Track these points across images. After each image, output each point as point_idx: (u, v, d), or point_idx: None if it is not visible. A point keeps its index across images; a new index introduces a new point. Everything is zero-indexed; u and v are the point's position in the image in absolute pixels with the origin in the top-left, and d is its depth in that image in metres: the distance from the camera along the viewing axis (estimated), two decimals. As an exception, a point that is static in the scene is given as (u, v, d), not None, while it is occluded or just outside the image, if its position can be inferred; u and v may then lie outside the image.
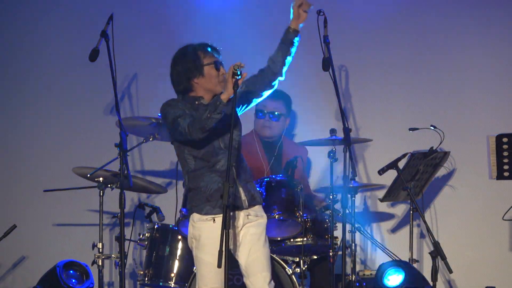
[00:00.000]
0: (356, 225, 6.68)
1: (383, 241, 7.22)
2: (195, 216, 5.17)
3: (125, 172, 5.58)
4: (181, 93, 5.28)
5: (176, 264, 6.43)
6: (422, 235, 7.43)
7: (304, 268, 6.34)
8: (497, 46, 7.48)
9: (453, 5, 7.55)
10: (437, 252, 6.13)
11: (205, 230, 5.13)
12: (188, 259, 6.37)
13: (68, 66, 7.65)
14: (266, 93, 5.34)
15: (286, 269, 6.16)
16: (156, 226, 6.53)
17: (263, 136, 6.98)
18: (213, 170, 5.14)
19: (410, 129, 7.01)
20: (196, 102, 5.19)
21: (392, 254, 6.85)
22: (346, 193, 6.01)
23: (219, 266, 4.79)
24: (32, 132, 7.69)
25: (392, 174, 6.74)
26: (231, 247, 5.12)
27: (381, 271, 6.59)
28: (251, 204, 5.21)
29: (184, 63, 5.25)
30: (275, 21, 7.57)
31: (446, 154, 7.07)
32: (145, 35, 7.68)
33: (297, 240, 6.32)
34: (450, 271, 6.12)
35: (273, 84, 5.32)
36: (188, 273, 6.32)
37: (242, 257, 5.19)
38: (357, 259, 6.89)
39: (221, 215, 4.91)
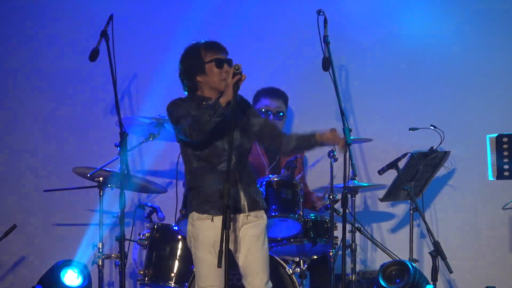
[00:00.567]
0: (356, 225, 6.68)
1: (383, 241, 7.21)
2: (194, 215, 5.17)
3: (125, 172, 5.58)
4: (189, 91, 5.28)
5: (176, 264, 6.42)
6: (422, 235, 7.43)
7: (304, 268, 6.34)
8: (496, 46, 7.48)
9: (453, 5, 7.55)
10: (437, 252, 6.13)
11: (203, 229, 5.13)
12: (188, 259, 6.37)
13: (68, 66, 7.65)
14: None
15: (286, 269, 6.16)
16: (156, 226, 6.53)
17: None
18: (214, 171, 5.14)
19: (410, 129, 7.00)
20: (204, 103, 5.19)
21: (392, 254, 6.85)
22: (346, 193, 6.00)
23: (219, 266, 4.79)
24: (32, 132, 7.68)
25: (392, 174, 6.74)
26: (231, 247, 5.12)
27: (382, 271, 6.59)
28: (251, 209, 5.20)
29: (187, 60, 5.26)
30: (274, 21, 7.58)
31: (446, 154, 7.07)
32: (145, 35, 7.67)
33: (297, 240, 6.32)
34: (450, 271, 6.12)
35: (271, 147, 5.44)
36: (188, 273, 6.31)
37: (241, 258, 5.20)
38: (357, 259, 6.88)
39: (220, 215, 4.92)
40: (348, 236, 6.37)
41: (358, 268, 6.93)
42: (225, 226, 4.83)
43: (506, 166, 6.42)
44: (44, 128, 7.67)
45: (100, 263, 6.49)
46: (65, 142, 7.63)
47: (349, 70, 7.55)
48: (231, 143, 4.92)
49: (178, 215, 6.36)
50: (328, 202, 6.51)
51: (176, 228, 6.45)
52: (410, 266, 6.49)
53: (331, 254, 6.37)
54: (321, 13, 5.57)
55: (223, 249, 4.80)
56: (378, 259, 7.28)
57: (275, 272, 5.92)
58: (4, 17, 7.76)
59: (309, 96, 7.47)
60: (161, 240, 6.46)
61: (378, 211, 7.54)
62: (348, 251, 6.49)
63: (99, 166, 6.45)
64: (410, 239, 6.96)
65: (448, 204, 7.48)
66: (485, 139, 6.51)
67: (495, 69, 7.49)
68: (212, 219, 5.10)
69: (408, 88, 7.55)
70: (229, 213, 4.91)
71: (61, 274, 6.61)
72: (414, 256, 6.98)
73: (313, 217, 6.42)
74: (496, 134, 6.47)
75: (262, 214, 5.27)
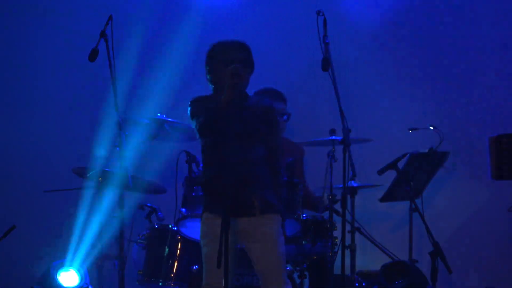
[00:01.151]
0: (356, 225, 6.68)
1: (382, 241, 7.21)
2: (204, 214, 5.22)
3: (125, 172, 5.58)
4: (212, 89, 5.33)
5: (176, 264, 6.43)
6: (421, 235, 7.42)
7: (304, 268, 6.34)
8: (496, 46, 7.48)
9: (453, 6, 7.55)
10: (437, 252, 6.14)
11: (210, 227, 5.14)
12: (188, 259, 6.38)
13: (68, 66, 7.65)
14: None
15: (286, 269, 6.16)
16: (155, 226, 6.53)
17: None
18: (225, 172, 5.14)
19: (409, 129, 7.01)
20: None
21: (391, 254, 6.85)
22: (345, 193, 6.00)
23: (218, 266, 4.80)
24: (32, 132, 7.68)
25: (391, 174, 6.74)
26: (244, 246, 5.14)
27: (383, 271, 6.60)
28: (265, 212, 5.19)
29: (206, 58, 5.36)
30: (274, 21, 7.59)
31: (445, 154, 7.06)
32: (145, 35, 7.67)
33: (296, 240, 6.32)
34: (450, 272, 6.12)
35: None
36: (187, 273, 6.32)
37: (253, 257, 5.19)
38: (357, 259, 6.88)
39: (231, 216, 4.92)
40: (348, 236, 6.36)
41: (357, 268, 6.92)
42: (226, 226, 4.83)
43: (506, 166, 6.42)
44: (44, 128, 7.68)
45: (100, 263, 6.49)
46: (64, 142, 7.63)
47: (349, 70, 7.55)
48: (231, 145, 4.93)
49: (178, 215, 6.36)
50: (327, 203, 6.51)
51: (175, 228, 6.45)
52: (411, 266, 6.50)
53: (330, 254, 6.36)
54: (321, 14, 5.58)
55: (223, 249, 4.81)
56: (378, 259, 7.27)
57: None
58: (4, 18, 7.77)
59: (308, 96, 7.47)
60: (161, 240, 6.46)
61: (377, 211, 7.54)
62: (347, 251, 6.49)
63: (99, 167, 6.45)
64: (409, 239, 6.96)
65: (447, 205, 7.49)
66: (485, 139, 6.52)
67: (495, 69, 7.49)
68: (220, 218, 5.11)
69: (408, 88, 7.55)
70: (229, 214, 4.92)
71: (57, 274, 6.61)
72: (414, 256, 6.98)
73: (312, 218, 6.41)
74: (496, 134, 6.48)
75: (276, 215, 5.25)
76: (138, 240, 6.52)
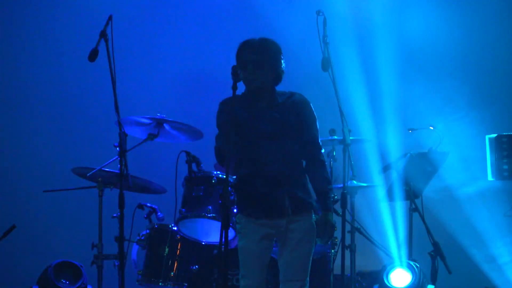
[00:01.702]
0: (356, 226, 6.68)
1: (382, 241, 7.22)
2: (237, 215, 5.21)
3: (125, 172, 5.58)
4: None
5: (176, 264, 6.43)
6: (421, 235, 7.42)
7: (303, 268, 6.33)
8: (496, 46, 7.48)
9: (453, 5, 7.56)
10: (437, 252, 6.13)
11: (244, 225, 5.16)
12: (188, 259, 6.38)
13: (68, 66, 7.65)
14: None
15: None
16: (155, 226, 6.53)
17: None
18: (256, 173, 5.11)
19: (409, 129, 7.01)
20: None
21: (391, 254, 6.85)
22: (345, 193, 6.01)
23: (218, 266, 4.79)
24: (32, 132, 7.68)
25: (391, 175, 6.74)
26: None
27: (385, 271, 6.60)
28: (296, 212, 5.12)
29: None
30: (274, 20, 7.59)
31: (445, 154, 7.06)
32: (145, 35, 7.67)
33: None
34: (449, 272, 6.12)
35: None
36: (187, 273, 6.32)
37: (281, 257, 5.17)
38: (357, 259, 6.88)
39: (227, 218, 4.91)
40: (348, 236, 6.37)
41: (357, 268, 6.93)
42: (225, 226, 4.83)
43: (505, 167, 6.43)
44: (44, 128, 7.68)
45: (100, 263, 6.49)
46: (64, 142, 7.64)
47: (349, 70, 7.55)
48: (231, 146, 4.92)
49: (178, 215, 6.36)
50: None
51: (175, 228, 6.45)
52: (414, 266, 6.50)
53: (330, 254, 6.36)
54: (321, 14, 5.58)
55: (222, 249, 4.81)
56: (378, 259, 7.28)
57: (275, 271, 5.92)
58: (4, 18, 7.77)
59: (308, 96, 7.46)
60: (160, 240, 6.46)
61: (377, 211, 7.53)
62: (347, 251, 6.49)
63: (99, 167, 6.45)
64: (409, 239, 6.95)
65: (447, 205, 7.48)
66: (485, 139, 6.52)
67: (495, 69, 7.49)
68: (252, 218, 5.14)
69: (408, 88, 7.55)
70: (228, 213, 4.92)
71: (57, 274, 6.61)
72: (414, 256, 6.98)
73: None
74: (496, 135, 6.48)
75: (308, 213, 5.18)
76: (138, 240, 6.52)
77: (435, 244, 6.20)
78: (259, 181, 5.07)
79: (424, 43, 7.56)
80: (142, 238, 6.51)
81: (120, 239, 5.58)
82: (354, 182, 6.69)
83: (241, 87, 5.07)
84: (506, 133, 6.46)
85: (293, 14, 7.58)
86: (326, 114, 7.38)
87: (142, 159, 7.55)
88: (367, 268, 7.40)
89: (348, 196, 6.60)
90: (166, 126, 6.59)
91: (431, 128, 6.97)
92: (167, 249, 6.45)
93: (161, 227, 6.53)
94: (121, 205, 5.56)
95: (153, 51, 7.59)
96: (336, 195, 6.45)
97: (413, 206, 6.80)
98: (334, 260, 6.39)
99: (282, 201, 5.09)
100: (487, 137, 6.54)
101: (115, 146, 5.66)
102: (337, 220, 6.40)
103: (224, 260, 4.82)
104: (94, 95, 7.60)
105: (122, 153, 5.56)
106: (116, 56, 5.65)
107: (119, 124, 5.57)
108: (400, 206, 7.51)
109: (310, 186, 5.21)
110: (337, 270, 6.41)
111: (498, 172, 6.49)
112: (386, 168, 6.69)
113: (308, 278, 5.14)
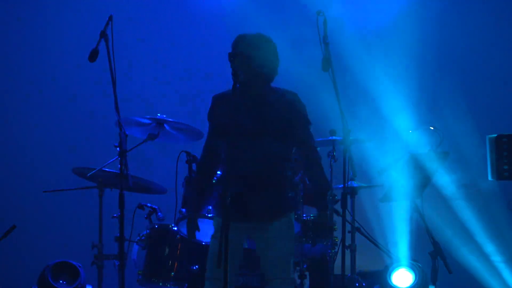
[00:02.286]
0: (356, 226, 6.68)
1: (382, 241, 7.22)
2: (215, 217, 5.24)
3: (125, 172, 5.57)
4: None
5: (176, 264, 6.43)
6: (422, 235, 7.42)
7: (304, 268, 6.34)
8: (496, 46, 7.49)
9: (453, 6, 7.56)
10: (437, 252, 6.13)
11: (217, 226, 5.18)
12: (188, 259, 6.38)
13: (68, 66, 7.65)
14: None
15: (286, 269, 6.15)
16: (155, 226, 6.53)
17: None
18: (233, 171, 5.02)
19: (409, 129, 7.01)
20: None
21: (392, 254, 6.85)
22: (345, 193, 6.00)
23: (218, 266, 4.78)
24: (32, 132, 7.68)
25: (391, 175, 6.74)
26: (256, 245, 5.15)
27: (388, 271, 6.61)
28: (273, 216, 5.10)
29: None
30: (274, 20, 7.59)
31: (445, 154, 7.06)
32: (145, 35, 7.67)
33: (296, 240, 6.32)
34: (450, 272, 6.12)
35: None
36: (187, 273, 6.31)
37: (262, 258, 5.17)
38: (357, 259, 6.88)
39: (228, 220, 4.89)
40: (348, 236, 6.36)
41: (357, 268, 6.93)
42: (225, 226, 4.83)
43: (505, 167, 6.42)
44: (44, 128, 7.68)
45: (100, 264, 6.49)
46: (64, 143, 7.64)
47: (349, 70, 7.55)
48: (230, 146, 4.91)
49: (178, 215, 6.36)
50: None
51: (175, 228, 6.45)
52: (417, 267, 6.50)
53: (330, 254, 6.36)
54: (321, 14, 5.57)
55: (222, 249, 4.81)
56: (378, 259, 7.28)
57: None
58: (4, 18, 7.77)
59: (308, 96, 7.46)
60: (161, 240, 6.46)
61: (377, 211, 7.53)
62: (347, 251, 6.49)
63: (99, 167, 6.45)
64: (410, 239, 6.95)
65: (447, 205, 7.48)
66: (485, 139, 6.51)
67: (495, 69, 7.49)
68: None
69: (408, 88, 7.55)
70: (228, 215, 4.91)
71: (54, 274, 6.60)
72: (414, 256, 6.98)
73: (312, 218, 6.41)
74: (496, 135, 6.47)
75: (283, 220, 5.17)
76: (138, 240, 6.51)
77: (435, 244, 6.19)
78: (234, 181, 4.94)
79: (424, 43, 7.56)
80: (142, 238, 6.51)
81: (120, 239, 5.58)
82: (355, 182, 6.69)
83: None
84: (506, 133, 6.45)
85: (293, 14, 7.58)
86: (326, 114, 7.40)
87: (142, 159, 7.56)
88: (367, 268, 7.40)
89: (349, 196, 6.60)
90: (166, 126, 6.59)
91: (431, 128, 6.97)
92: (167, 249, 6.45)
93: (161, 227, 6.52)
94: (121, 205, 5.56)
95: (153, 51, 7.59)
96: (336, 195, 6.45)
97: (413, 206, 6.80)
98: (334, 260, 6.39)
99: (257, 204, 5.04)
100: (487, 137, 6.53)
101: (115, 146, 5.66)
102: (337, 220, 6.42)
103: (224, 260, 4.82)
104: (94, 95, 7.60)
105: (122, 153, 5.56)
106: (116, 56, 5.65)
107: (119, 124, 5.57)
108: (400, 206, 7.51)
109: (294, 186, 5.22)
110: (337, 270, 6.41)
111: (498, 172, 6.47)
112: (386, 168, 6.68)
113: (292, 275, 5.12)
